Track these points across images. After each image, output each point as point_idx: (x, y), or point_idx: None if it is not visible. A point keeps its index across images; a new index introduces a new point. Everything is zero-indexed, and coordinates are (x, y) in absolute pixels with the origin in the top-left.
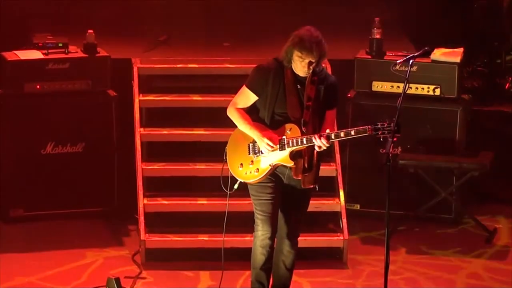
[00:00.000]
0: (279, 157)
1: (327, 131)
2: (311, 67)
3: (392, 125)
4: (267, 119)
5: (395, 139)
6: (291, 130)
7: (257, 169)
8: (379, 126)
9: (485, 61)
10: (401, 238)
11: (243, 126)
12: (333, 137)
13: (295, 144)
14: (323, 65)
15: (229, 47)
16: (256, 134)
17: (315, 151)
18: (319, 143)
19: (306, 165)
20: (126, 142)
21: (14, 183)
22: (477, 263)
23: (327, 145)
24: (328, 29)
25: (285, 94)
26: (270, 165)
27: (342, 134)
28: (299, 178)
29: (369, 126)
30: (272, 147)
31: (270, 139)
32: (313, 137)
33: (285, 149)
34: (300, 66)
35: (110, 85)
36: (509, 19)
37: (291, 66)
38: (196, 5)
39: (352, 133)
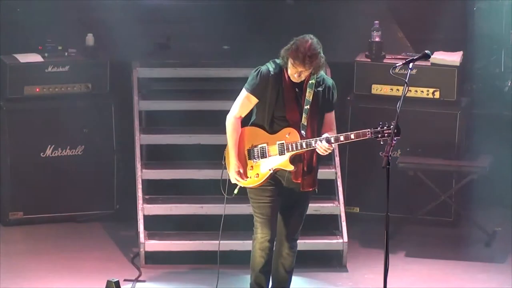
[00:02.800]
0: (279, 161)
1: (326, 134)
2: (302, 76)
3: (391, 128)
4: (267, 123)
5: (393, 144)
6: (290, 135)
7: (257, 174)
8: (378, 129)
9: (484, 64)
10: (400, 241)
11: (230, 143)
12: (333, 140)
13: (294, 149)
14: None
15: (228, 50)
16: (233, 160)
17: (315, 154)
18: (322, 147)
19: (305, 169)
20: (126, 145)
21: (13, 186)
22: (477, 266)
23: (331, 148)
24: (328, 32)
25: (283, 98)
26: (270, 169)
27: (342, 138)
28: (299, 181)
29: (369, 130)
30: (238, 181)
31: (239, 173)
32: (313, 142)
33: (284, 154)
34: (292, 72)
35: (110, 88)
36: (508, 22)
37: (287, 67)
38: (195, 8)
39: (352, 136)
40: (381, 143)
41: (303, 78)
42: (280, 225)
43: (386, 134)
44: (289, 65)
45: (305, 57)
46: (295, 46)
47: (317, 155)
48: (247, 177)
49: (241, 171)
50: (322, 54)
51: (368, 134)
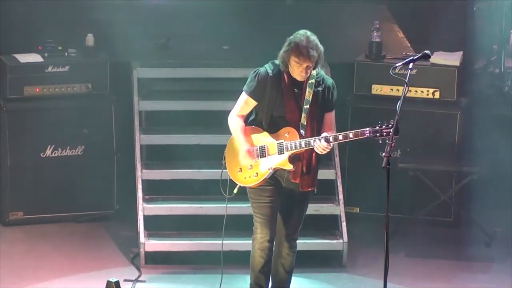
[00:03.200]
0: (278, 161)
1: (325, 134)
2: (308, 72)
3: (390, 127)
4: (266, 123)
5: (393, 144)
6: (289, 134)
7: (256, 173)
8: (377, 128)
9: (484, 64)
10: (400, 241)
11: (236, 132)
12: (331, 140)
13: (293, 148)
14: (321, 68)
15: (228, 50)
16: (242, 144)
17: (314, 154)
18: (321, 146)
19: (304, 169)
20: (126, 145)
21: (13, 186)
22: (477, 266)
23: (329, 147)
24: (328, 32)
25: (283, 98)
26: (269, 169)
27: (340, 137)
28: (298, 181)
29: (368, 129)
30: (245, 159)
31: (249, 152)
32: (312, 141)
33: (283, 153)
34: (298, 71)
35: (110, 88)
36: (508, 22)
37: (288, 70)
38: (195, 8)
39: (351, 135)
40: (380, 142)
41: (309, 74)
42: (280, 225)
43: (384, 133)
44: (293, 64)
45: (309, 50)
46: (294, 45)
47: (317, 155)
48: (256, 158)
49: (251, 150)
50: (320, 44)
51: (367, 133)
